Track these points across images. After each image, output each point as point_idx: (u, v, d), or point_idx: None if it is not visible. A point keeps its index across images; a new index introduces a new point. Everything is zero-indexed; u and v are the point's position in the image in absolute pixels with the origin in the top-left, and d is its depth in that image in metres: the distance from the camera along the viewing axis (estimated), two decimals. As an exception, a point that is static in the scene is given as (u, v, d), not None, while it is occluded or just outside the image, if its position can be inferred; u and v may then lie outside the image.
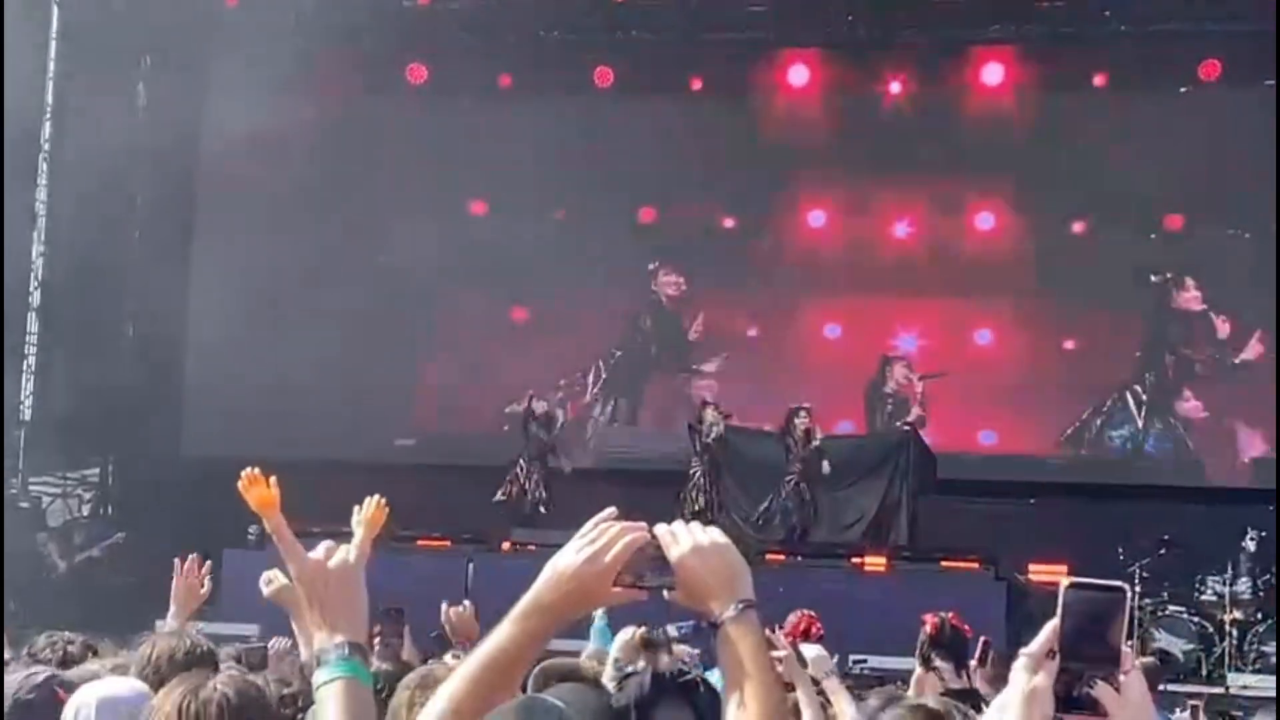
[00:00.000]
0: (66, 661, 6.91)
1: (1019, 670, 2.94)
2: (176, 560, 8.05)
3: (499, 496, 23.05)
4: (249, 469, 3.98)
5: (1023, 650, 2.97)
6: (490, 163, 25.46)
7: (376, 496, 3.75)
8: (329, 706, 3.26)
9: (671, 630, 10.40)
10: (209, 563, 8.08)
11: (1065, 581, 2.90)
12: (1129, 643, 2.92)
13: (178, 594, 7.92)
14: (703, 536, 3.02)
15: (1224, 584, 20.35)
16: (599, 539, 3.02)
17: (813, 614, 10.60)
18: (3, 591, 8.06)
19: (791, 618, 10.50)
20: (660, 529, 3.02)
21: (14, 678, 5.84)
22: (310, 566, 3.40)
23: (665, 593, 3.02)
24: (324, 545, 3.45)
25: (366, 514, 3.84)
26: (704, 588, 3.01)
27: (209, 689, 3.86)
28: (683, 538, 3.00)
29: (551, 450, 23.36)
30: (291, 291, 24.99)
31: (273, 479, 3.80)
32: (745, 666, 2.95)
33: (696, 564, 2.99)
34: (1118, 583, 2.94)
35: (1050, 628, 2.92)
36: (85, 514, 26.77)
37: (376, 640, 9.00)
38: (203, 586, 7.94)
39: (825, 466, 22.27)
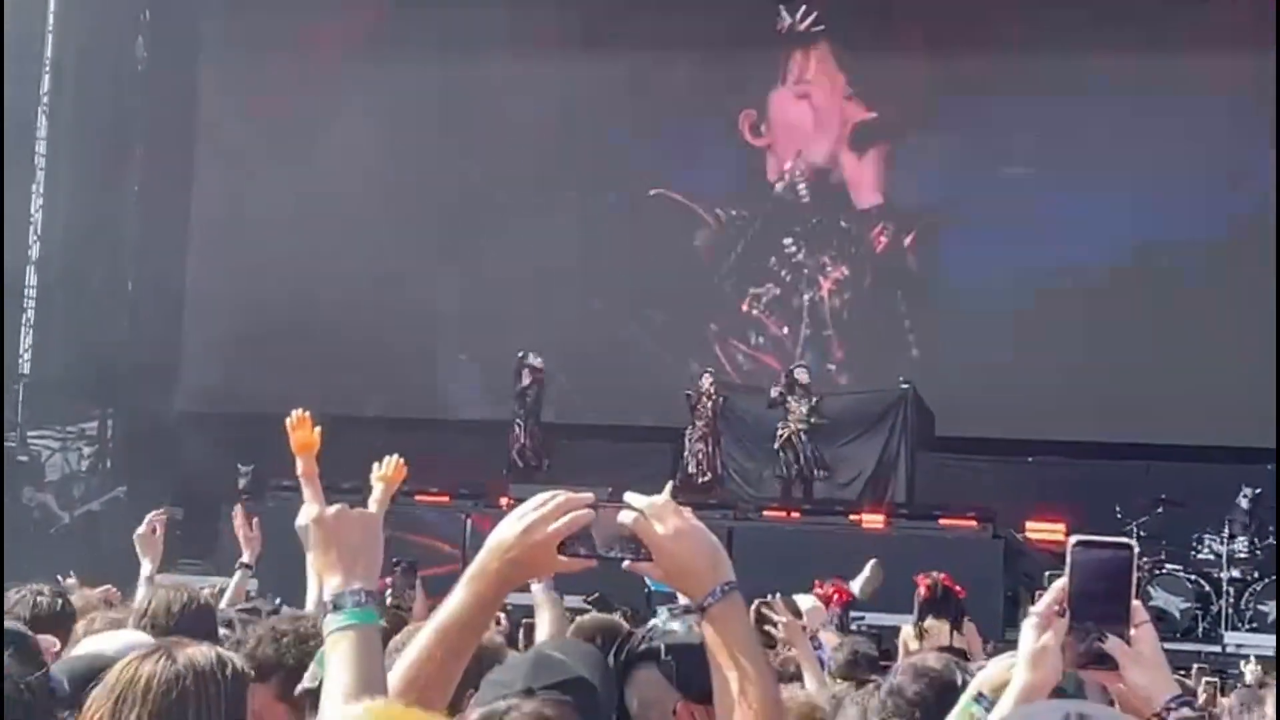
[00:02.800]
0: (38, 616, 6.87)
1: (1027, 629, 2.95)
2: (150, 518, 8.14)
3: (507, 466, 23.08)
4: (300, 410, 4.00)
5: (1030, 609, 2.98)
6: (496, 114, 25.43)
7: (395, 456, 3.77)
8: (342, 653, 3.26)
9: (662, 612, 10.48)
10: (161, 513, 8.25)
11: (1073, 540, 2.92)
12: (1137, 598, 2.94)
13: (141, 545, 7.99)
14: (683, 519, 3.03)
15: (1221, 543, 20.39)
16: (540, 509, 3.02)
17: (842, 586, 10.71)
18: (2, 555, 8.03)
19: (821, 590, 10.58)
20: (638, 504, 3.02)
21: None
22: (331, 512, 3.40)
23: (624, 563, 3.03)
24: (339, 506, 3.46)
25: (386, 471, 3.83)
26: (687, 571, 3.02)
27: (182, 655, 3.83)
28: (666, 519, 3.00)
29: (540, 407, 23.33)
30: (291, 246, 24.96)
31: (318, 428, 3.82)
32: (734, 649, 2.97)
33: (679, 547, 3.00)
34: (1125, 539, 2.95)
35: (1058, 586, 2.92)
36: (84, 468, 26.81)
37: (388, 593, 9.00)
38: (154, 532, 8.06)
39: (816, 416, 22.26)
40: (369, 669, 3.25)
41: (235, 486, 22.83)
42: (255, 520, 8.35)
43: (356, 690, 3.19)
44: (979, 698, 3.55)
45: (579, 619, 6.54)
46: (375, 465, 3.78)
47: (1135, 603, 2.92)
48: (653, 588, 10.62)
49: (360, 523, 3.41)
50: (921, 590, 9.57)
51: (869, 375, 24.52)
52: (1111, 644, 2.87)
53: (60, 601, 7.11)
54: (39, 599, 7.12)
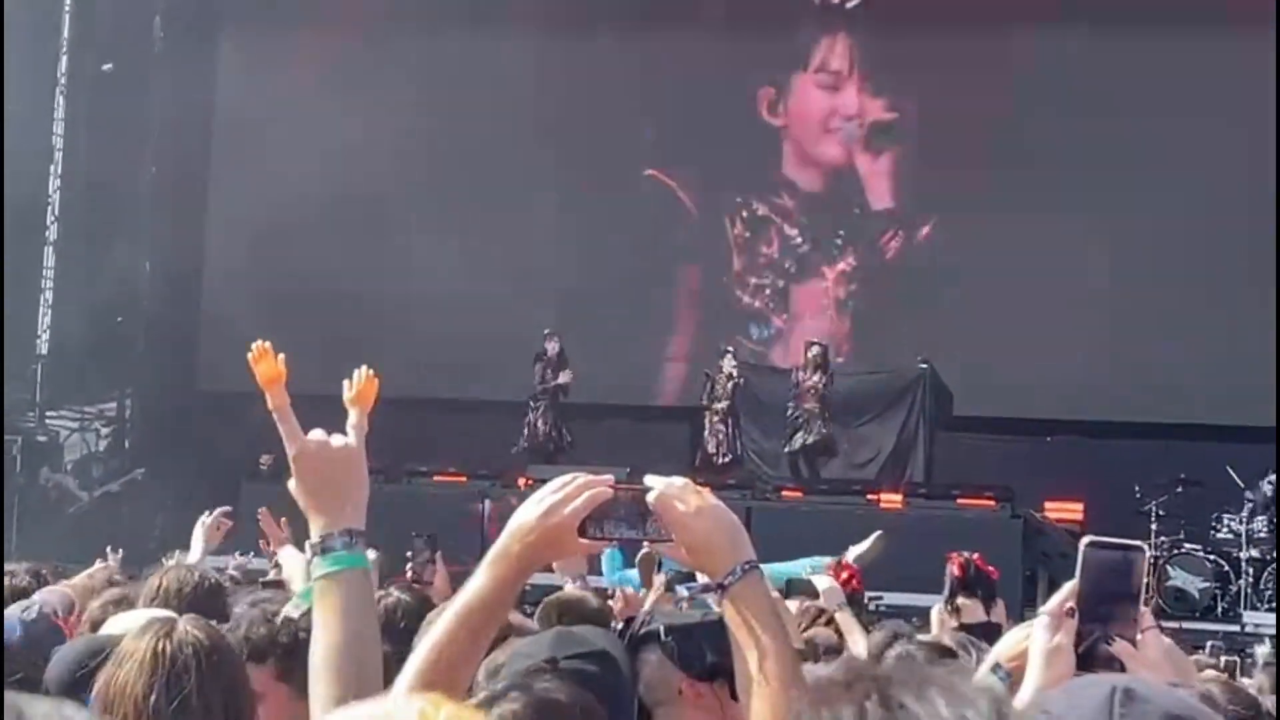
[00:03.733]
0: (14, 595, 6.89)
1: (1039, 629, 2.94)
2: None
3: (522, 444, 23.10)
4: (259, 342, 3.79)
5: (1042, 609, 2.97)
6: (520, 89, 25.43)
7: (364, 367, 3.48)
8: (332, 602, 3.20)
9: (681, 591, 10.49)
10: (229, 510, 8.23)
11: (1084, 540, 2.91)
12: (1147, 596, 2.93)
13: (201, 533, 7.99)
14: (703, 498, 3.03)
15: (1240, 522, 20.36)
16: (560, 492, 3.01)
17: (856, 569, 10.73)
18: (3, 535, 8.06)
19: (833, 572, 10.59)
20: (659, 487, 3.01)
21: (13, 609, 5.87)
22: (312, 448, 3.33)
23: (645, 545, 3.04)
24: (318, 431, 3.38)
25: (358, 388, 3.51)
26: (708, 549, 3.02)
27: (180, 631, 3.81)
28: (686, 499, 3.00)
29: (562, 390, 23.32)
30: (310, 225, 24.96)
31: (281, 355, 3.69)
32: (756, 628, 2.96)
33: (700, 526, 3.01)
34: (1136, 541, 2.94)
35: (1069, 586, 2.92)
36: (103, 448, 26.86)
37: (409, 568, 8.97)
38: (219, 528, 8.06)
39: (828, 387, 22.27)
40: (360, 617, 3.20)
41: (256, 470, 22.86)
42: (284, 521, 8.16)
43: (347, 641, 3.14)
44: (995, 668, 3.54)
45: (545, 599, 6.49)
46: (345, 384, 3.47)
47: (1144, 608, 2.92)
48: (671, 568, 10.58)
49: (343, 457, 3.32)
50: (954, 569, 9.52)
51: (883, 359, 24.55)
52: (1118, 647, 2.87)
53: (37, 582, 7.17)
54: (12, 581, 7.16)
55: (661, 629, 3.95)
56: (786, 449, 22.62)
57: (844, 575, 10.45)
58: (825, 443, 22.50)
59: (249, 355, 3.82)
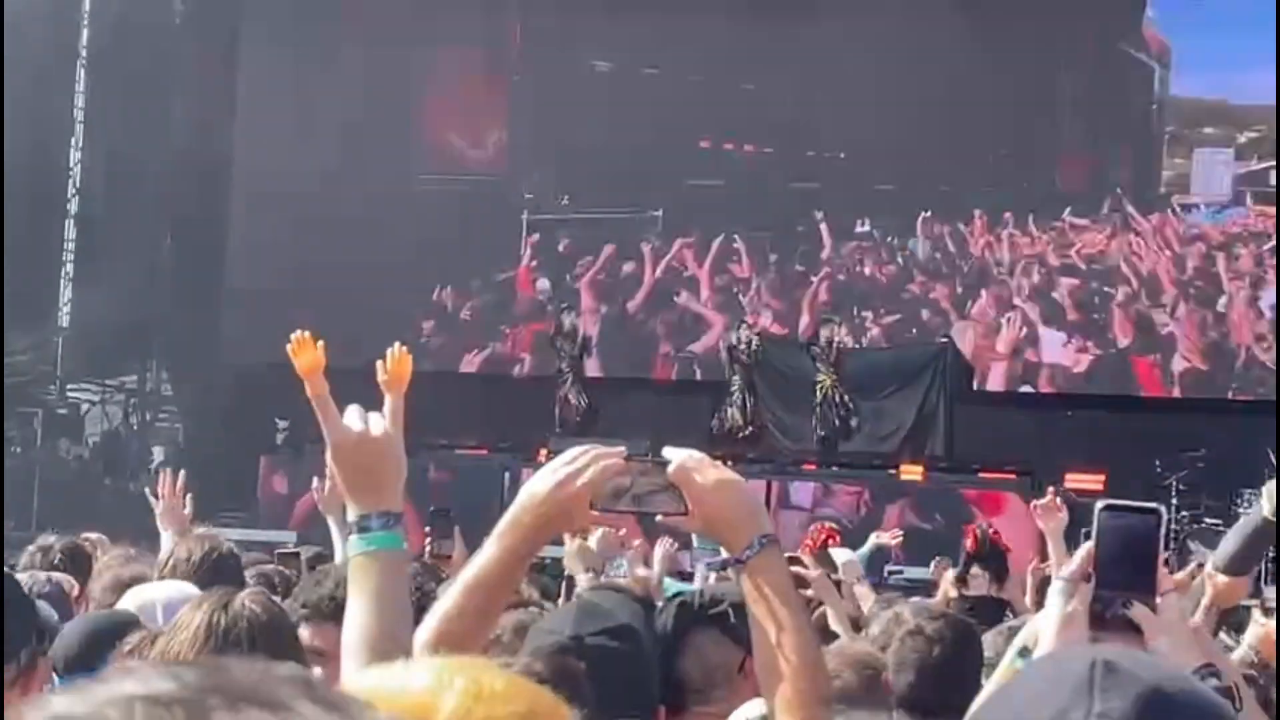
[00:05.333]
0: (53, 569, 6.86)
1: (1055, 594, 2.93)
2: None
3: (556, 423, 23.10)
4: (300, 332, 3.81)
5: (1058, 574, 2.96)
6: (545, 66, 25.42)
7: (397, 345, 3.47)
8: (367, 581, 3.18)
9: (700, 567, 10.48)
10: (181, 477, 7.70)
11: (1100, 504, 2.89)
12: (1164, 562, 2.91)
13: (164, 519, 7.61)
14: (721, 471, 3.02)
15: (1260, 496, 20.30)
16: (573, 464, 3.01)
17: (832, 525, 10.65)
18: (2, 511, 8.00)
19: (812, 529, 10.55)
20: (677, 460, 3.00)
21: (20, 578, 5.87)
22: (352, 434, 3.33)
23: (659, 517, 3.03)
24: (354, 409, 3.37)
25: (393, 369, 3.51)
26: (726, 523, 3.00)
27: (238, 604, 3.83)
28: (704, 471, 2.99)
29: (580, 362, 23.28)
30: (333, 200, 25.00)
31: (320, 343, 3.70)
32: (774, 602, 2.95)
33: (718, 499, 2.99)
34: (1152, 504, 2.93)
35: (1085, 550, 2.90)
36: (122, 420, 26.91)
37: (427, 541, 8.91)
38: (185, 508, 7.64)
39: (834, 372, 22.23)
40: (395, 599, 3.17)
41: (274, 444, 22.91)
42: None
43: (382, 622, 3.13)
44: (1023, 652, 3.53)
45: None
46: (379, 365, 3.45)
47: (1162, 570, 2.90)
48: (706, 548, 10.61)
49: (380, 442, 3.28)
50: (968, 541, 9.53)
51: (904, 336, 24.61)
52: (1137, 610, 2.85)
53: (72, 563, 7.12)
54: (47, 557, 7.12)
55: (731, 607, 3.92)
56: (816, 427, 22.50)
57: (821, 536, 10.43)
58: (851, 414, 22.40)
59: (288, 346, 3.82)
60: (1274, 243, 22.77)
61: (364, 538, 3.20)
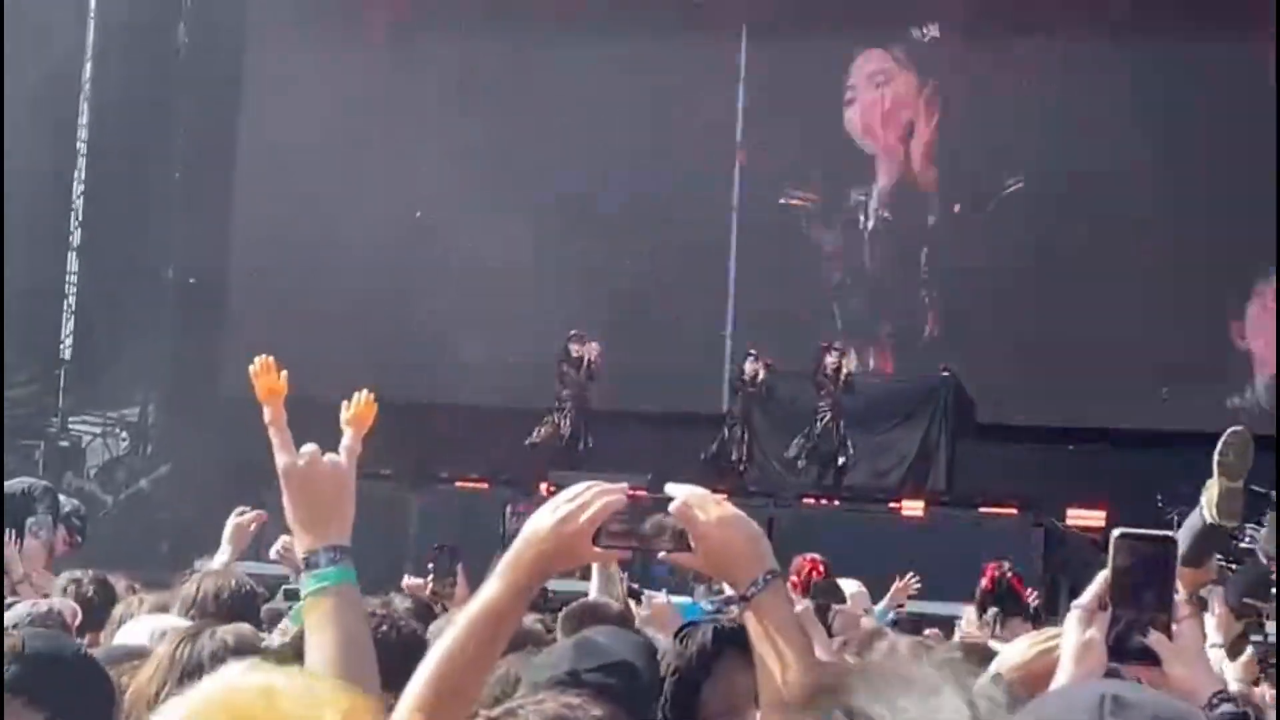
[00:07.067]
0: (90, 608, 6.87)
1: (1072, 623, 2.93)
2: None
3: (532, 438, 23.02)
4: (263, 356, 3.87)
5: (1074, 603, 2.96)
6: (532, 101, 25.42)
7: (365, 391, 3.58)
8: (321, 618, 3.19)
9: (705, 604, 10.41)
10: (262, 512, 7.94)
11: (1115, 533, 2.90)
12: (1179, 591, 2.92)
13: (232, 534, 7.82)
14: (724, 508, 3.02)
15: (1261, 530, 20.26)
16: (575, 500, 3.01)
17: (815, 557, 10.56)
18: (2, 542, 7.99)
19: (797, 561, 10.47)
20: (680, 496, 3.00)
21: (19, 609, 5.87)
22: (301, 464, 3.34)
23: (662, 554, 3.03)
24: (310, 446, 3.38)
25: (356, 410, 3.61)
26: (730, 559, 3.01)
27: (204, 637, 3.83)
28: (707, 508, 2.99)
29: (584, 391, 23.19)
30: (335, 233, 25.01)
31: (284, 373, 3.75)
32: (779, 639, 2.96)
33: (722, 535, 2.99)
34: (1167, 532, 2.93)
35: (1101, 580, 2.91)
36: (123, 451, 26.89)
37: (430, 579, 8.86)
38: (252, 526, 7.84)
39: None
40: (351, 633, 3.18)
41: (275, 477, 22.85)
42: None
43: (341, 657, 3.12)
44: (995, 678, 3.52)
45: (566, 607, 6.44)
46: (344, 404, 3.58)
47: (1178, 596, 2.91)
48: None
49: (331, 474, 3.34)
50: (985, 580, 9.44)
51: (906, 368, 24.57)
52: (1154, 638, 2.86)
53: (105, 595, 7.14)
54: (79, 590, 7.13)
55: None
56: (813, 460, 22.44)
57: (806, 569, 10.34)
58: (848, 447, 22.33)
59: (250, 368, 3.86)
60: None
61: (314, 575, 3.21)
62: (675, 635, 4.24)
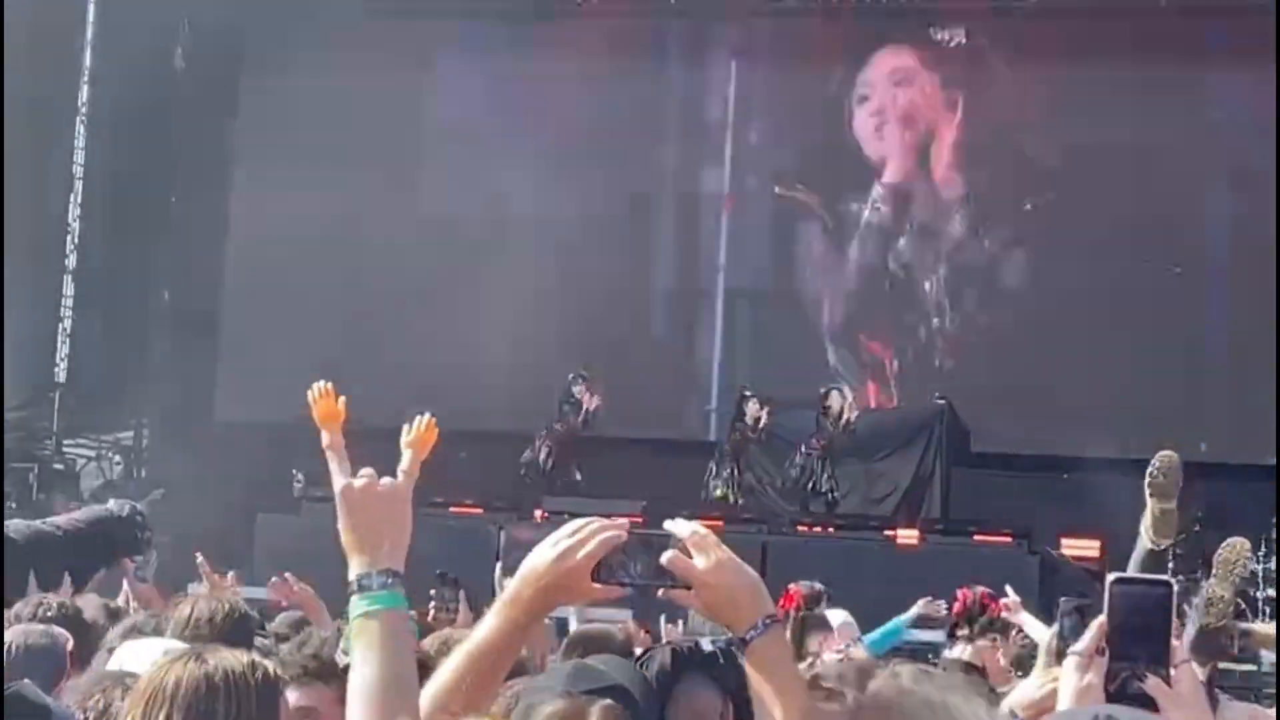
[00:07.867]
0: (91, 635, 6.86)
1: (1069, 669, 2.94)
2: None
3: (525, 456, 22.95)
4: (321, 382, 3.91)
5: (1071, 649, 2.96)
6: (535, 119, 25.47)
7: (427, 414, 3.59)
8: (368, 641, 3.17)
9: (706, 645, 10.37)
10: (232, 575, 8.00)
11: (1111, 577, 2.90)
12: (1177, 636, 2.91)
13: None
14: (723, 551, 3.03)
15: (1258, 561, 20.28)
16: (574, 535, 3.00)
17: (795, 589, 10.54)
18: (2, 557, 7.94)
19: (792, 587, 10.43)
20: (678, 531, 3.00)
21: (17, 627, 5.87)
22: (358, 486, 3.33)
23: (660, 592, 3.03)
24: (368, 470, 3.38)
25: (416, 434, 3.62)
26: (728, 603, 3.01)
27: (189, 662, 3.81)
28: (706, 551, 2.99)
29: (573, 434, 23.08)
30: (330, 257, 25.03)
31: (343, 399, 3.76)
32: (777, 683, 2.97)
33: (720, 580, 3.00)
34: (1163, 577, 2.93)
35: (1098, 625, 2.90)
36: (117, 474, 26.86)
37: (431, 605, 8.88)
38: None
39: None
40: (397, 658, 3.17)
41: (277, 495, 22.80)
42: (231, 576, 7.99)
43: (385, 681, 3.12)
44: (1012, 715, 3.53)
45: (571, 632, 6.45)
46: (404, 428, 3.59)
47: (1175, 642, 2.91)
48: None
49: (388, 496, 3.32)
50: (956, 605, 9.51)
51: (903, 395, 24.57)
52: (1151, 683, 2.86)
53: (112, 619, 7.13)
54: (83, 615, 7.12)
55: (720, 653, 3.90)
56: (803, 491, 22.37)
57: (791, 605, 10.31)
58: (834, 481, 22.25)
59: (310, 394, 3.87)
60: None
61: (365, 597, 3.20)
62: (635, 660, 4.25)
